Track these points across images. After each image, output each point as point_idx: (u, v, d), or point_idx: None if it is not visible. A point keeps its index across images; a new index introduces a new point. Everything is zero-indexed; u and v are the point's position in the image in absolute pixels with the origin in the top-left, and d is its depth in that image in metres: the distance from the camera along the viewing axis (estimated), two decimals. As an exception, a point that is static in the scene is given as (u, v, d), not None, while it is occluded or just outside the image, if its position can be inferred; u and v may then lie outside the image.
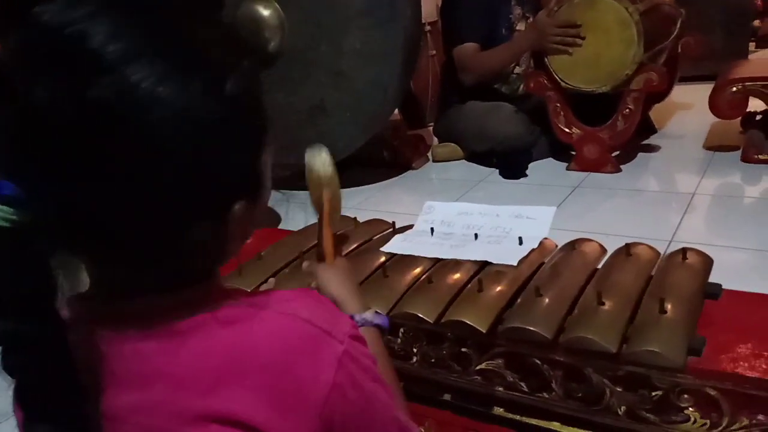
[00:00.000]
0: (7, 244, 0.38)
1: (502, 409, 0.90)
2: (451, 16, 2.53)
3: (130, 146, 0.39)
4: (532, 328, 0.79)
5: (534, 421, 0.87)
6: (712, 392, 0.72)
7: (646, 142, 2.55)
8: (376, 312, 0.72)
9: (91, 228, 0.41)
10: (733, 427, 0.72)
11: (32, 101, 0.38)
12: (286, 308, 0.47)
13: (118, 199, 0.40)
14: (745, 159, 2.17)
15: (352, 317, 0.69)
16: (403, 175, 2.62)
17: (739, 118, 2.28)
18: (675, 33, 2.15)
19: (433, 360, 0.91)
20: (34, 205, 0.38)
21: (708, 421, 0.73)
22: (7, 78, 0.38)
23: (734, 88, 2.13)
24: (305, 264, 0.86)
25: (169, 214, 0.42)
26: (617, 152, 2.36)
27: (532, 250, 0.98)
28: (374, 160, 2.66)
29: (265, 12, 2.26)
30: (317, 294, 0.54)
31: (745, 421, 0.71)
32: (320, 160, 0.92)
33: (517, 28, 2.54)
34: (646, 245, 0.97)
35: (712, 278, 0.89)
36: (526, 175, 2.37)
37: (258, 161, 0.47)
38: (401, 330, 0.92)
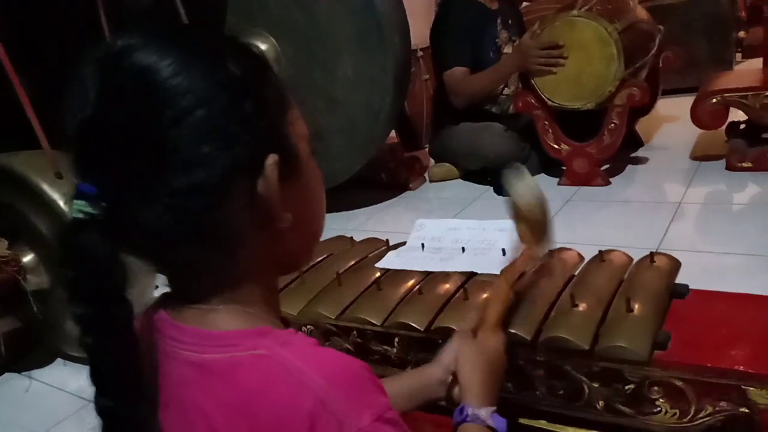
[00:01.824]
0: (83, 234, 0.45)
1: (493, 410, 0.96)
2: (440, 42, 2.64)
3: (150, 114, 0.45)
4: (513, 330, 0.86)
5: (524, 421, 0.93)
6: (678, 383, 0.78)
7: (634, 154, 2.62)
8: (495, 413, 0.68)
9: (134, 208, 0.47)
10: (700, 415, 0.78)
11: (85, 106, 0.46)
12: (311, 379, 0.46)
13: (155, 170, 0.46)
14: (730, 167, 2.24)
15: (462, 408, 0.67)
16: (401, 195, 2.71)
17: (724, 127, 2.36)
18: (654, 49, 2.24)
19: (426, 366, 0.97)
20: (105, 197, 0.45)
21: (677, 411, 0.80)
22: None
23: (714, 100, 2.21)
24: (464, 323, 0.78)
25: (208, 165, 0.46)
26: (606, 165, 2.44)
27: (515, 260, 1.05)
28: (373, 182, 2.75)
29: (262, 47, 2.37)
30: (358, 369, 0.50)
31: (710, 409, 0.78)
32: (519, 187, 0.79)
33: (504, 51, 2.64)
34: (620, 252, 1.04)
35: (701, 282, 0.94)
36: (519, 191, 2.45)
37: (278, 123, 0.52)
38: (396, 339, 0.99)
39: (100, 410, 0.47)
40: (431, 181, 2.80)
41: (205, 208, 0.48)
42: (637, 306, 0.83)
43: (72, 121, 0.47)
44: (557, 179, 2.46)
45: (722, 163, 2.29)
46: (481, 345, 0.75)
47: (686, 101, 2.40)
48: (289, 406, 0.46)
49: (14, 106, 1.55)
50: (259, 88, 0.50)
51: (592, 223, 2.06)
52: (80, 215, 0.46)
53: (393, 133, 2.85)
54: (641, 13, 2.42)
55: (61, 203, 1.53)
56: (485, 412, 0.67)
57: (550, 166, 2.53)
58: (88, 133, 0.46)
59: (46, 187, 1.52)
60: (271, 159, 0.49)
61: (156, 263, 0.52)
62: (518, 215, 0.81)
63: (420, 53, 3.15)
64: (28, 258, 1.68)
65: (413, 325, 0.95)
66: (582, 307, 0.87)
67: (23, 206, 1.60)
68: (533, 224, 0.81)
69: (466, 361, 0.72)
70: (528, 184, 0.79)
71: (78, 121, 0.46)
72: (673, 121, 2.98)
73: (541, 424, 0.92)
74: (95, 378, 0.47)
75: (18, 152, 1.63)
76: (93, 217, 0.46)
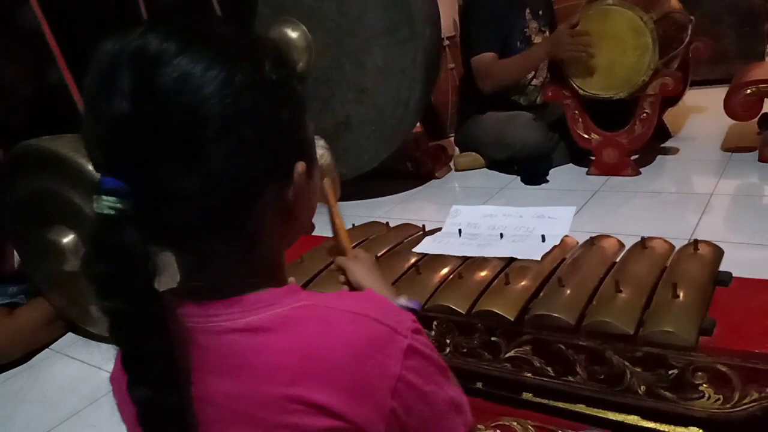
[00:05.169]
0: (120, 230, 0.46)
1: (530, 394, 0.97)
2: (468, 30, 2.63)
3: (191, 122, 0.46)
4: (556, 315, 0.87)
5: (561, 404, 0.94)
6: (723, 368, 0.78)
7: (664, 145, 2.60)
8: (407, 298, 0.82)
9: (173, 206, 0.47)
10: (744, 401, 0.79)
11: (114, 107, 0.46)
12: (357, 308, 0.52)
13: (197, 172, 0.46)
14: (762, 159, 2.20)
15: None
16: (426, 184, 2.71)
17: (756, 119, 2.32)
18: (687, 39, 2.21)
19: (465, 350, 0.99)
20: (134, 193, 0.46)
21: (721, 396, 0.80)
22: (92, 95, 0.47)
23: (748, 91, 2.18)
24: (334, 265, 0.89)
25: (247, 173, 0.48)
26: (636, 156, 2.42)
27: (555, 246, 1.06)
28: (398, 172, 2.76)
29: (293, 34, 2.39)
30: (379, 296, 0.58)
31: (755, 395, 0.78)
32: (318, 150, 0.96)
33: (534, 41, 2.62)
34: (662, 239, 1.04)
35: (734, 274, 0.94)
36: (547, 181, 2.44)
37: (304, 130, 0.55)
38: (434, 322, 1.00)
39: (137, 399, 0.48)
40: (457, 170, 2.80)
41: (237, 211, 0.50)
42: (682, 293, 0.84)
43: (99, 116, 0.46)
44: (586, 169, 2.44)
45: (754, 155, 2.26)
46: (359, 261, 0.85)
47: (714, 92, 2.37)
48: (352, 337, 0.50)
49: (60, 94, 1.58)
50: (292, 93, 0.53)
51: (621, 214, 2.04)
52: (111, 212, 0.45)
53: (417, 123, 2.84)
54: (675, 3, 2.38)
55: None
56: (404, 300, 0.78)
57: (578, 156, 2.52)
58: (124, 130, 0.46)
59: (90, 168, 1.54)
60: (300, 167, 0.53)
61: (178, 253, 0.53)
62: (323, 175, 0.93)
63: (446, 42, 3.14)
64: (68, 239, 1.71)
65: (454, 307, 0.96)
66: (626, 292, 0.87)
67: (66, 188, 1.63)
68: (335, 182, 0.93)
69: (361, 276, 0.82)
70: (325, 147, 0.92)
71: (113, 117, 0.46)
72: (701, 112, 2.93)
73: (580, 408, 0.93)
74: (130, 369, 0.48)
75: (61, 135, 1.66)
76: (123, 213, 0.45)
